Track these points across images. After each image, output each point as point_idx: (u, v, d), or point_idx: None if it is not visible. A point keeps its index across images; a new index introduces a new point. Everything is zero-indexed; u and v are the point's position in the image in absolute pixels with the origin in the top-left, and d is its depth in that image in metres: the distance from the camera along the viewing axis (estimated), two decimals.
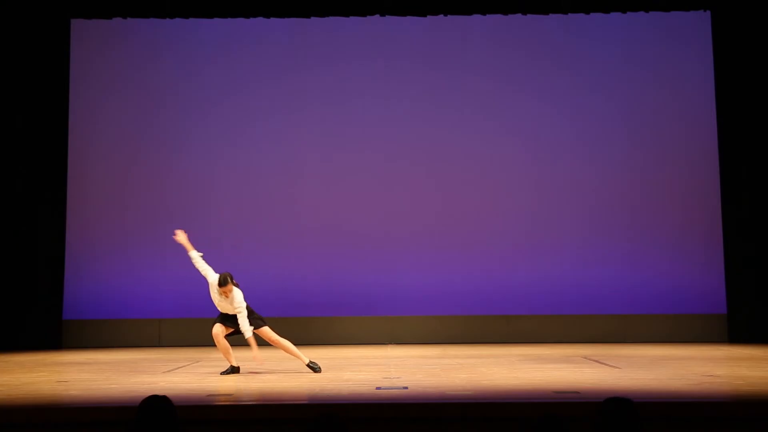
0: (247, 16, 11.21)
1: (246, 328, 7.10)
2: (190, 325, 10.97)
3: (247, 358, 8.50)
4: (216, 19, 11.27)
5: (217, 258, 11.00)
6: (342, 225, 11.10)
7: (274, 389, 6.05)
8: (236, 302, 7.17)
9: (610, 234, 11.05)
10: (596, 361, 7.97)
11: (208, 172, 11.24)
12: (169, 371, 7.48)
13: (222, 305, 7.32)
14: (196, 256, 7.42)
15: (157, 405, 3.40)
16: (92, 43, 11.33)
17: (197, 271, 7.42)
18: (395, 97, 11.28)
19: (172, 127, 11.32)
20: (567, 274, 10.98)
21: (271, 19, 11.26)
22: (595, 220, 11.10)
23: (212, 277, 7.27)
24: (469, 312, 11.02)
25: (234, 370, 7.20)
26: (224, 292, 7.17)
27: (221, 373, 7.19)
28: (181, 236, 7.55)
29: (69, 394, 5.97)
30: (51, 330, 10.76)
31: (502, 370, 7.24)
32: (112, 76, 11.33)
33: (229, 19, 11.27)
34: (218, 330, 7.30)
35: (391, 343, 10.81)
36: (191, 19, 11.25)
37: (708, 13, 11.14)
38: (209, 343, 10.68)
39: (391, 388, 5.90)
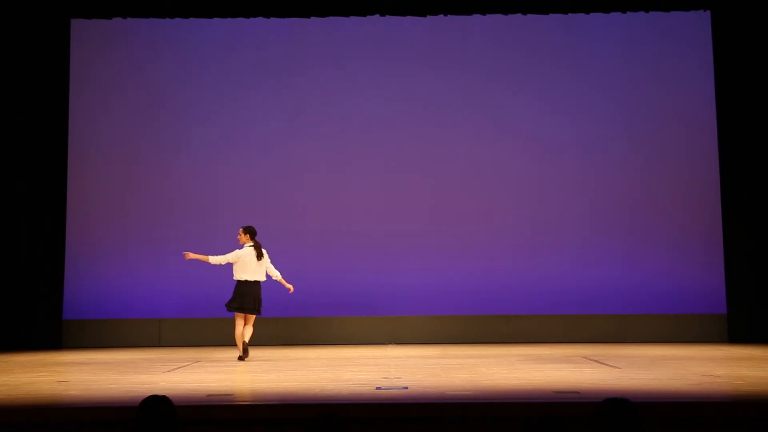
0: (247, 16, 11.21)
1: (276, 272, 8.71)
2: (190, 325, 10.99)
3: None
4: (216, 19, 11.27)
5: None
6: (342, 225, 11.10)
7: (274, 389, 6.05)
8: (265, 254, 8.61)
9: (610, 234, 11.05)
10: (596, 361, 7.97)
11: (208, 172, 11.24)
12: (169, 371, 7.48)
13: (255, 268, 8.51)
14: (213, 259, 8.63)
15: (157, 405, 3.41)
16: (92, 43, 11.33)
17: (222, 265, 8.85)
18: (395, 97, 11.28)
19: (172, 126, 11.32)
20: (567, 274, 10.98)
21: (271, 19, 11.26)
22: (595, 220, 11.10)
23: (233, 254, 8.54)
24: (469, 312, 11.02)
25: (245, 351, 8.42)
26: (255, 245, 8.55)
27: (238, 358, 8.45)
28: (190, 255, 8.70)
29: (69, 394, 5.97)
30: (51, 330, 10.76)
31: (502, 370, 7.24)
32: (112, 76, 11.33)
33: (229, 19, 11.27)
34: (242, 325, 8.52)
35: (391, 343, 10.81)
36: (191, 19, 11.25)
37: (708, 13, 11.14)
38: (209, 343, 10.75)
39: (391, 388, 5.90)
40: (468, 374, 6.84)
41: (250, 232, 8.66)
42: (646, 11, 11.15)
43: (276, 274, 8.75)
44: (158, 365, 8.06)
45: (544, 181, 11.16)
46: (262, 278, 8.59)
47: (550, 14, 11.15)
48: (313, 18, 11.21)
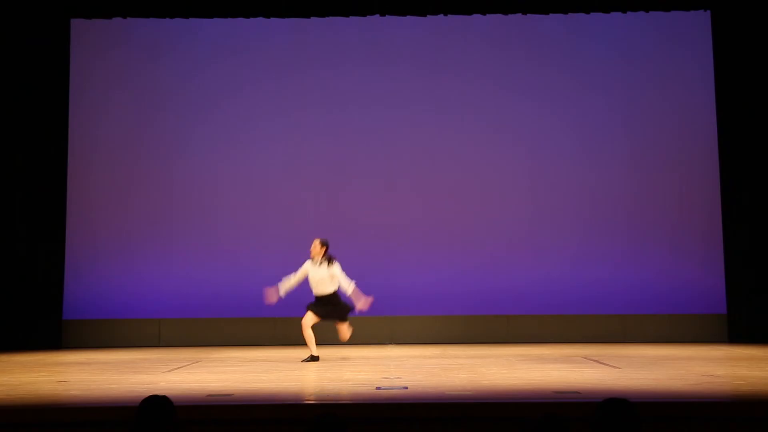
0: (247, 16, 11.21)
1: (347, 284, 8.25)
2: (190, 325, 10.98)
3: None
4: (216, 19, 11.27)
5: (217, 257, 11.06)
6: (342, 225, 11.09)
7: (274, 389, 6.05)
8: (335, 269, 8.27)
9: (610, 234, 11.05)
10: (596, 361, 7.97)
11: (208, 172, 11.24)
12: (169, 371, 7.48)
13: (318, 283, 8.28)
14: (287, 285, 8.40)
15: (157, 405, 3.41)
16: (92, 43, 11.32)
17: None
18: (395, 97, 11.27)
19: (172, 126, 11.32)
20: (567, 273, 10.97)
21: (271, 19, 11.26)
22: (595, 220, 11.10)
23: (303, 268, 8.38)
24: (469, 312, 11.01)
25: (314, 358, 8.18)
26: (317, 254, 8.30)
27: (302, 361, 8.17)
28: (272, 296, 8.44)
29: (69, 394, 5.97)
30: (51, 330, 10.75)
31: (502, 370, 7.24)
32: (112, 76, 11.33)
33: (229, 19, 11.27)
34: (308, 320, 8.22)
35: (391, 343, 10.81)
36: (191, 19, 11.25)
37: (708, 13, 11.14)
38: (209, 343, 10.76)
39: (391, 388, 5.90)
40: (468, 374, 6.84)
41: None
42: (646, 11, 11.15)
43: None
44: (158, 365, 8.06)
45: (544, 180, 11.17)
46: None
47: (550, 14, 11.15)
48: (313, 18, 11.21)
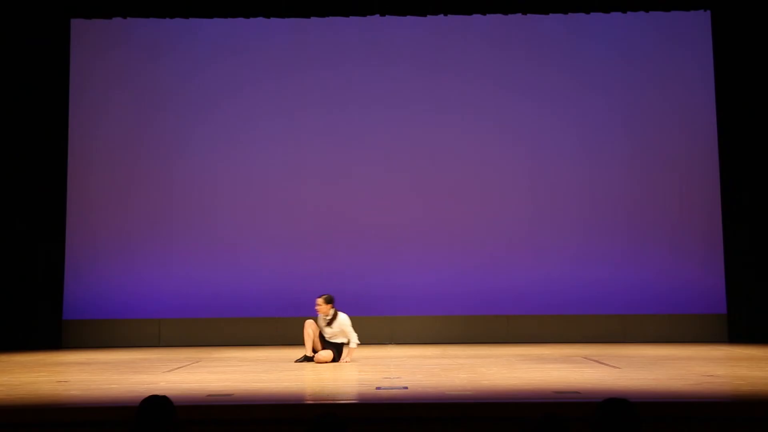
0: (247, 16, 11.22)
1: (353, 338, 8.18)
2: (190, 325, 10.98)
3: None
4: (216, 19, 11.27)
5: (217, 257, 11.06)
6: (342, 225, 11.11)
7: (274, 389, 6.05)
8: (345, 325, 8.17)
9: (610, 234, 11.06)
10: (596, 361, 7.97)
11: (208, 172, 11.24)
12: (169, 371, 7.48)
13: (331, 337, 8.23)
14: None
15: (157, 405, 3.41)
16: (92, 43, 11.33)
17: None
18: (396, 97, 11.28)
19: (172, 126, 11.32)
20: (567, 274, 10.98)
21: (271, 19, 11.26)
22: (595, 220, 11.10)
23: (313, 328, 8.15)
24: (469, 312, 11.01)
25: (308, 359, 8.06)
26: (324, 312, 8.16)
27: (295, 361, 8.09)
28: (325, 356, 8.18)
29: (69, 394, 5.97)
30: (51, 330, 10.76)
31: (502, 370, 7.24)
32: (112, 76, 11.33)
33: (229, 19, 11.27)
34: (312, 323, 8.14)
35: (391, 343, 10.81)
36: (191, 19, 11.25)
37: (708, 13, 11.14)
38: (209, 343, 10.76)
39: (391, 388, 5.90)
40: (468, 374, 6.84)
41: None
42: (646, 11, 11.15)
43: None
44: (158, 365, 8.06)
45: (544, 180, 11.17)
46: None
47: (550, 14, 11.16)
48: (313, 18, 11.21)
